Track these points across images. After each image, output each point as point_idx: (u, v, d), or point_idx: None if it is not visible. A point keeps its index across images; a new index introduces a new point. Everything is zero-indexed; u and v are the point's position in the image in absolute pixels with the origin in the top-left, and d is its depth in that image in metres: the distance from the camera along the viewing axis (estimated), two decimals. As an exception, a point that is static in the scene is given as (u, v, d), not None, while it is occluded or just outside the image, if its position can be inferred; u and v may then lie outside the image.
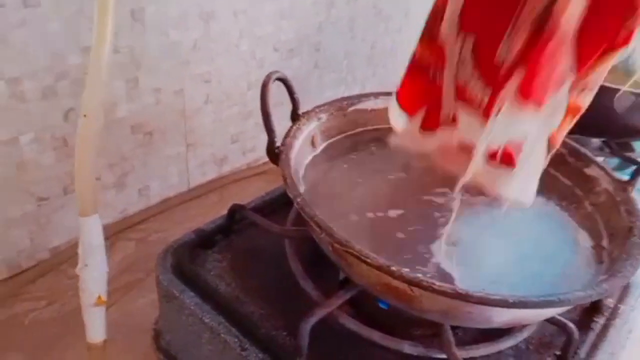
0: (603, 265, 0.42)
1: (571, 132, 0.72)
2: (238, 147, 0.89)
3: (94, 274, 0.45)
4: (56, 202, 0.67)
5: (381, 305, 0.47)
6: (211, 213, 0.83)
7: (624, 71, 0.66)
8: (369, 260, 0.34)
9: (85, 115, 0.41)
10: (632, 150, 0.80)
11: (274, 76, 0.46)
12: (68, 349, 0.60)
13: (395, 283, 0.36)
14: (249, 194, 0.90)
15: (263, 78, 0.79)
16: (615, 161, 0.78)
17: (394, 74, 1.18)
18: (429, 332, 0.48)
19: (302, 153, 0.49)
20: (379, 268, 0.34)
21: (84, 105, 0.42)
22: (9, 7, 0.53)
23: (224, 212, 0.84)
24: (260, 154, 0.93)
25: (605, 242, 0.45)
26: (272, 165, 0.99)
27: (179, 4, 0.68)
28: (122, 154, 0.72)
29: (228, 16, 0.75)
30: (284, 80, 0.47)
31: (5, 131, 0.59)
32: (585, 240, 0.46)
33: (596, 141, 0.81)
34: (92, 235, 0.45)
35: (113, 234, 0.74)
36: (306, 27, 0.89)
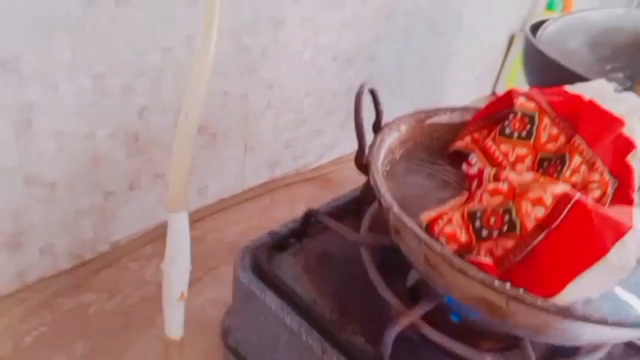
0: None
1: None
2: (290, 153, 0.90)
3: (180, 270, 0.46)
4: (122, 197, 0.69)
5: (453, 318, 0.48)
6: (264, 215, 0.85)
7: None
8: (471, 274, 0.35)
9: (186, 116, 0.43)
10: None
11: (367, 87, 0.47)
12: (132, 342, 0.61)
13: (492, 297, 0.36)
14: (298, 199, 0.92)
15: (321, 85, 0.81)
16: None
17: (441, 86, 1.19)
18: (499, 345, 0.48)
19: (385, 159, 0.50)
20: (482, 282, 0.35)
21: (186, 106, 0.43)
22: (101, 6, 0.55)
23: (276, 214, 0.86)
24: (309, 160, 0.94)
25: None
26: (319, 172, 1.00)
27: (252, 8, 0.70)
28: (187, 153, 0.73)
29: (295, 24, 0.77)
30: (372, 92, 0.48)
31: (86, 125, 0.60)
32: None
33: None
34: (181, 232, 0.46)
35: (172, 230, 0.76)
36: (365, 37, 0.90)
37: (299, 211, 0.88)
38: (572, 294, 0.35)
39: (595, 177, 0.46)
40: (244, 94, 0.76)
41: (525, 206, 0.37)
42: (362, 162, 0.47)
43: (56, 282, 0.66)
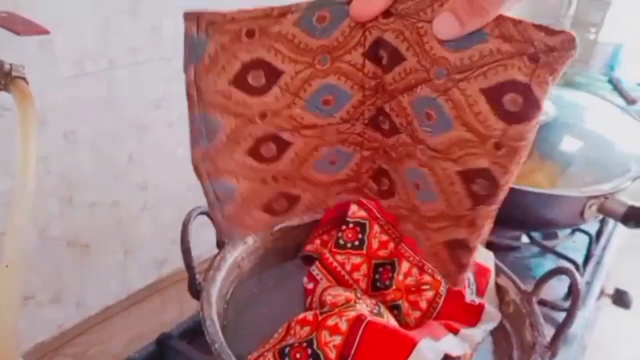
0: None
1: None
2: (177, 249, 0.89)
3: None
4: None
5: None
6: (153, 318, 0.83)
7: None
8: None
9: (7, 266, 0.42)
10: (555, 237, 0.84)
11: (196, 212, 0.48)
12: None
13: None
14: (190, 296, 0.90)
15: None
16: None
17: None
18: None
19: (228, 279, 0.51)
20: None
21: (6, 255, 0.42)
22: None
23: (165, 316, 0.84)
24: (200, 251, 0.93)
25: (515, 356, 0.47)
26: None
27: (112, 121, 0.70)
28: (58, 270, 0.71)
29: (162, 127, 0.78)
30: (207, 214, 0.49)
31: None
32: (499, 353, 0.48)
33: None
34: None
35: (49, 351, 0.73)
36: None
37: (189, 310, 0.87)
38: None
39: (427, 278, 0.49)
40: (115, 201, 0.75)
41: (324, 336, 0.38)
42: (195, 289, 0.47)
43: None
